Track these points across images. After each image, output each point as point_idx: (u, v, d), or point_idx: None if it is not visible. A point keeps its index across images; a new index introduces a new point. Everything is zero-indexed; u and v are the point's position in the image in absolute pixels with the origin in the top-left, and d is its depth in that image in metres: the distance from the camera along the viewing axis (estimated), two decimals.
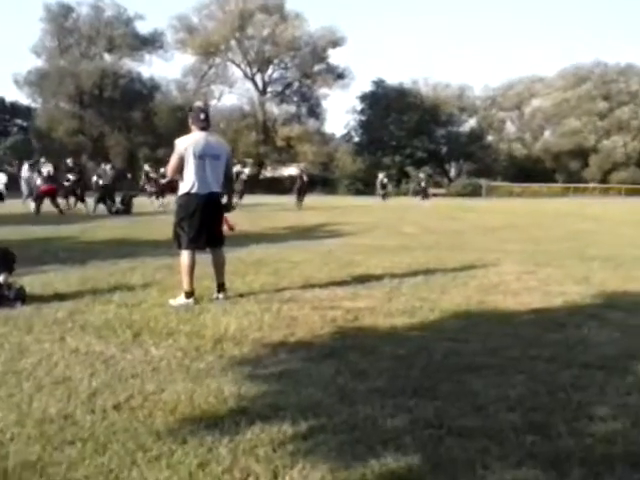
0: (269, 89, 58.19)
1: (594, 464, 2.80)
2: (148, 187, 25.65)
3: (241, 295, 6.48)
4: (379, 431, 3.14)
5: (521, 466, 2.78)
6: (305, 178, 28.47)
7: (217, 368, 4.11)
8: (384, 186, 36.63)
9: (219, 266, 6.46)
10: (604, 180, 60.99)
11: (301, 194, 27.29)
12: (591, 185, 59.85)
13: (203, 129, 6.30)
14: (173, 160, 6.24)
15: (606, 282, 7.56)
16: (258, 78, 57.15)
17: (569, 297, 6.53)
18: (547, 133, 66.78)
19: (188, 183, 6.16)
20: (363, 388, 3.74)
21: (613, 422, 3.26)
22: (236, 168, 23.37)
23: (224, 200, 6.66)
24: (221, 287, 6.45)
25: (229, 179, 6.79)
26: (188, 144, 6.17)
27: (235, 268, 7.64)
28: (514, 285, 7.21)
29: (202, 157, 6.15)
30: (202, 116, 6.32)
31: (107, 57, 56.30)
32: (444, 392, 3.68)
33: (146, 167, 27.60)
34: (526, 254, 10.26)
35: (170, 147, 6.61)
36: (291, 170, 57.38)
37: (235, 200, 14.96)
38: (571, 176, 62.35)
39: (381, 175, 37.25)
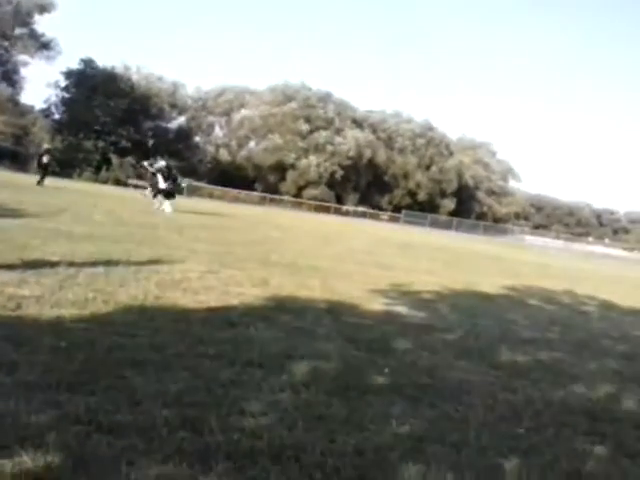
0: None
1: (239, 458, 2.90)
2: None
3: None
4: (20, 428, 2.86)
5: (168, 462, 2.76)
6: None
7: None
8: (44, 166, 29.48)
9: None
10: (298, 195, 66.00)
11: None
12: (286, 197, 64.27)
13: None
14: None
15: (282, 286, 8.07)
16: None
17: (245, 298, 6.81)
18: (252, 143, 69.98)
19: None
20: (9, 381, 3.39)
21: (263, 417, 3.42)
22: None
23: None
24: None
25: None
26: None
27: None
28: (195, 283, 7.29)
29: None
30: None
31: None
32: (102, 387, 3.51)
33: None
34: (213, 254, 10.50)
35: None
36: None
37: None
38: (269, 187, 66.32)
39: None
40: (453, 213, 77.51)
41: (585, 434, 3.89)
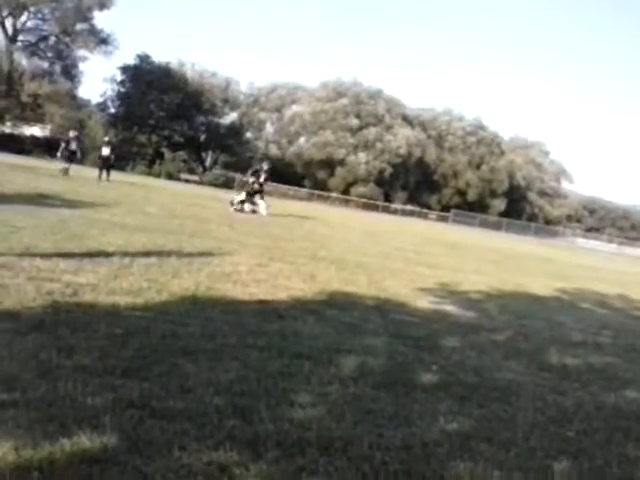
0: (20, 38, 52.59)
1: (288, 447, 2.94)
2: None
3: None
4: (77, 409, 2.97)
5: (219, 448, 2.82)
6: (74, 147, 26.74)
7: None
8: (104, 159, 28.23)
9: None
10: (346, 192, 65.92)
11: (71, 161, 26.28)
12: (334, 194, 64.30)
13: None
14: None
15: (330, 282, 8.11)
16: (8, 23, 51.28)
17: (293, 292, 6.88)
18: (302, 140, 70.15)
19: None
20: (68, 365, 3.52)
21: (311, 409, 3.46)
22: None
23: None
24: None
25: None
26: None
27: None
28: (245, 276, 7.39)
29: None
30: None
31: None
32: (155, 373, 3.60)
33: None
34: (263, 248, 10.62)
35: None
36: (35, 130, 52.69)
37: None
38: (318, 183, 66.41)
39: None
40: (503, 214, 76.23)
41: (637, 440, 3.80)
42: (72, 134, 28.83)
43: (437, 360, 4.89)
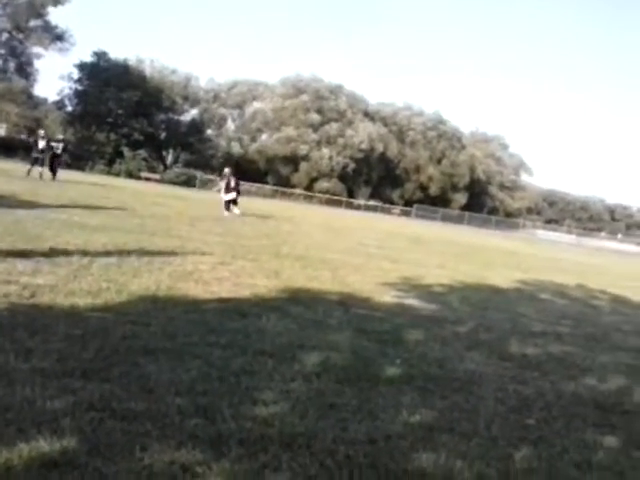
0: None
1: (251, 445, 2.92)
2: None
3: None
4: (35, 413, 2.91)
5: (181, 448, 2.79)
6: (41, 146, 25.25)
7: None
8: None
9: None
10: (309, 187, 65.99)
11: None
12: (297, 191, 64.30)
13: None
14: None
15: (293, 278, 8.11)
16: None
17: (257, 289, 6.86)
18: (264, 136, 69.95)
19: None
20: (26, 368, 3.44)
21: (274, 406, 3.45)
22: None
23: None
24: None
25: None
26: None
27: None
28: (207, 275, 7.34)
29: None
30: None
31: None
32: (116, 375, 3.55)
33: None
34: (225, 246, 10.56)
35: None
36: None
37: None
38: (281, 179, 66.36)
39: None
40: (465, 207, 77.28)
41: (595, 425, 3.89)
42: (41, 133, 27.32)
43: (401, 353, 4.93)
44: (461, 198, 78.80)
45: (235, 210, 20.75)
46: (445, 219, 69.65)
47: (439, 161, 76.80)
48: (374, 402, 3.73)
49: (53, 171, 25.18)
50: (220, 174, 22.56)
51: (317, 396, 3.68)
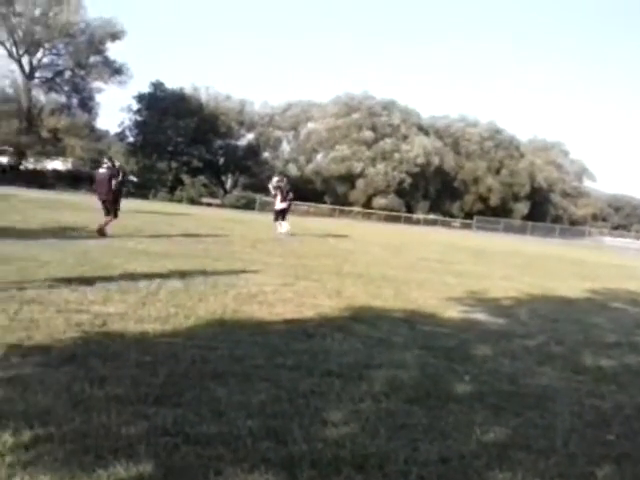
0: (37, 74, 53.48)
1: (323, 467, 2.92)
2: None
3: None
4: (112, 439, 2.98)
5: (254, 470, 2.82)
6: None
7: None
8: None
9: None
10: (367, 204, 65.90)
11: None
12: (355, 209, 64.33)
13: None
14: None
15: (356, 297, 8.09)
16: (25, 61, 52.13)
17: (321, 309, 6.86)
18: (319, 156, 70.39)
19: None
20: (101, 395, 3.54)
21: (345, 427, 3.44)
22: None
23: None
24: None
25: None
26: None
27: None
28: (271, 296, 7.40)
29: None
30: None
31: None
32: (187, 399, 3.61)
33: None
34: (287, 267, 10.62)
35: None
36: (56, 164, 53.56)
37: None
38: (338, 198, 66.51)
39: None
40: (527, 217, 75.55)
41: None
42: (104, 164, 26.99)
43: (469, 370, 4.84)
44: (523, 208, 77.13)
45: (283, 227, 19.65)
46: (507, 230, 68.25)
47: (498, 171, 75.50)
48: (445, 421, 3.66)
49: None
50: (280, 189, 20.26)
51: (387, 416, 3.65)
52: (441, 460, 3.09)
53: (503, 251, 25.82)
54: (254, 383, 4.02)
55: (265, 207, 53.31)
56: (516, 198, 76.76)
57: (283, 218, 19.92)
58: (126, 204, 27.32)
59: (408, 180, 67.10)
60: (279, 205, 20.12)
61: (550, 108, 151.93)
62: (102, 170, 14.59)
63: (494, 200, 75.08)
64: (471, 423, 3.64)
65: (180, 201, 49.58)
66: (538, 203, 79.45)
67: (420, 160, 66.96)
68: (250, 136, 66.51)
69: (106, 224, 13.66)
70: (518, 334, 6.61)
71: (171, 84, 59.44)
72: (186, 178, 53.97)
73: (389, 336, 5.86)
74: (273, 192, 20.74)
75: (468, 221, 70.52)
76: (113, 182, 14.37)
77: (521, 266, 17.46)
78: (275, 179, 21.36)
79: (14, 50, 51.34)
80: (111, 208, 14.09)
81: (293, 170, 67.37)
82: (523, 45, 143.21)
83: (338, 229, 29.81)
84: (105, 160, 14.87)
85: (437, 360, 5.09)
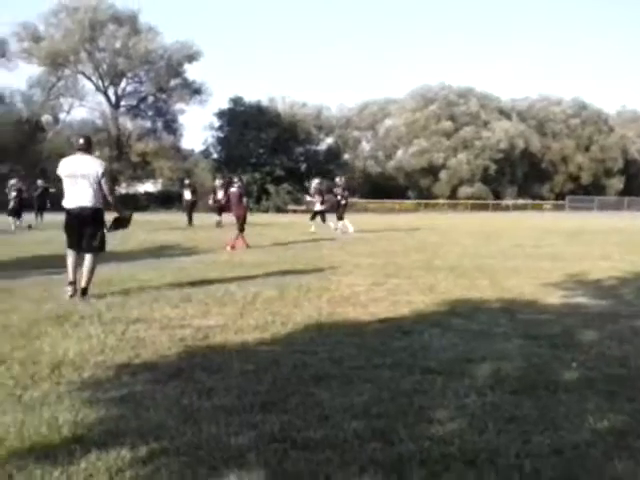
0: (123, 103, 56.11)
1: (433, 465, 2.89)
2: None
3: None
4: (223, 450, 3.06)
5: (363, 473, 2.82)
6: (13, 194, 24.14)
7: (53, 396, 3.84)
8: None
9: (85, 271, 7.25)
10: (452, 195, 64.85)
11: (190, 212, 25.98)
12: (441, 201, 63.42)
13: (79, 150, 7.38)
14: None
15: (449, 290, 7.97)
16: (111, 92, 54.92)
17: (415, 306, 6.81)
18: (399, 152, 69.88)
19: (64, 198, 7.31)
20: (209, 407, 3.65)
21: (451, 424, 3.39)
22: None
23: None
24: (84, 292, 7.20)
25: (106, 194, 7.50)
26: (61, 166, 7.32)
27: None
28: (364, 297, 7.42)
29: (71, 176, 7.22)
30: (80, 141, 7.43)
31: None
32: (291, 405, 3.67)
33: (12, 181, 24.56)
34: (377, 267, 10.60)
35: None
36: (148, 186, 55.79)
37: None
38: (422, 192, 65.80)
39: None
40: (623, 192, 72.12)
41: None
42: (12, 181, 25.11)
43: (576, 356, 4.67)
44: (617, 183, 73.70)
45: (347, 226, 20.80)
46: (602, 207, 65.35)
47: (587, 148, 72.51)
48: (555, 411, 3.55)
49: (189, 217, 25.97)
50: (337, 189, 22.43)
51: (493, 410, 3.57)
52: (554, 452, 2.99)
53: (600, 230, 24.74)
54: (355, 384, 4.04)
55: (350, 208, 53.49)
56: (609, 174, 73.46)
57: (323, 219, 21.52)
58: (207, 218, 28.17)
59: (493, 167, 65.55)
60: (318, 207, 21.92)
61: (637, 75, 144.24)
62: (233, 189, 15.58)
63: (585, 178, 72.16)
64: (583, 411, 3.51)
65: (267, 211, 50.49)
66: (633, 177, 75.67)
67: (503, 145, 65.26)
68: (329, 140, 66.80)
69: (237, 238, 14.58)
70: (624, 315, 6.33)
71: (248, 97, 60.56)
72: (271, 187, 54.83)
73: (488, 328, 5.74)
74: (313, 195, 22.92)
75: (560, 202, 68.08)
76: (244, 200, 15.49)
77: (621, 244, 16.67)
78: (316, 181, 23.89)
79: (100, 83, 54.12)
80: (242, 223, 14.98)
81: (374, 168, 67.18)
82: (599, 12, 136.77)
83: (425, 223, 29.48)
84: (236, 179, 16.23)
85: (541, 349, 4.95)
